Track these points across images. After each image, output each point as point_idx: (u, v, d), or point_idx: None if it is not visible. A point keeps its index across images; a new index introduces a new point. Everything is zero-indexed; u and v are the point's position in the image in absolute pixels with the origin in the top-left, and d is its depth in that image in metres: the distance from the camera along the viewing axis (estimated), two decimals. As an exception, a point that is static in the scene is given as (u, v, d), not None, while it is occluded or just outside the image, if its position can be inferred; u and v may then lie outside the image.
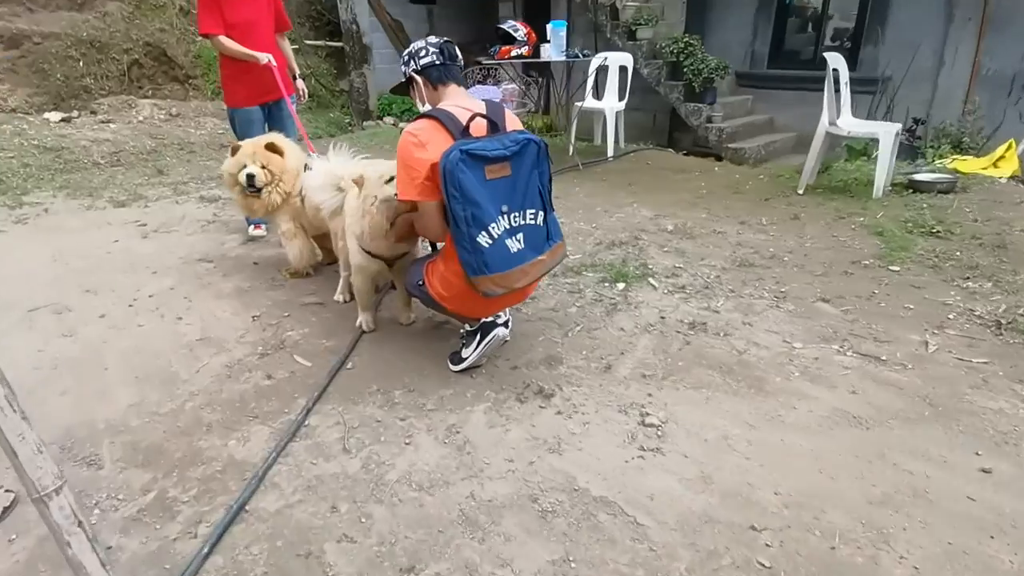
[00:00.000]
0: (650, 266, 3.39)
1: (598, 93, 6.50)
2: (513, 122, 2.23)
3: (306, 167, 3.21)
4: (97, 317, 2.93)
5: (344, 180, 2.79)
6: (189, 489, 1.84)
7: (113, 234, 4.09)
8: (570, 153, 6.38)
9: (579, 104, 6.42)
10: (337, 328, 2.84)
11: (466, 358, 2.38)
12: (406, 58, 2.25)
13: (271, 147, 3.12)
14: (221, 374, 2.45)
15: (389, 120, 9.57)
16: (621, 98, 6.37)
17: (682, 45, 7.45)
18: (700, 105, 7.43)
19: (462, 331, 2.43)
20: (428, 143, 2.01)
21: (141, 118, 8.06)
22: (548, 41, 5.72)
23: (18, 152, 5.96)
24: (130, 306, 3.05)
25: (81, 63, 8.45)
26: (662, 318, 2.83)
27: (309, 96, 4.87)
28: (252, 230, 4.08)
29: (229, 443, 2.04)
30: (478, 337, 2.35)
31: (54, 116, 7.55)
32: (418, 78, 2.20)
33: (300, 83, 4.06)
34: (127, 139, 7.17)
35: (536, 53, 5.82)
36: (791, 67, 8.25)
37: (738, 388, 2.26)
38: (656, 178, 5.43)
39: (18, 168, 5.56)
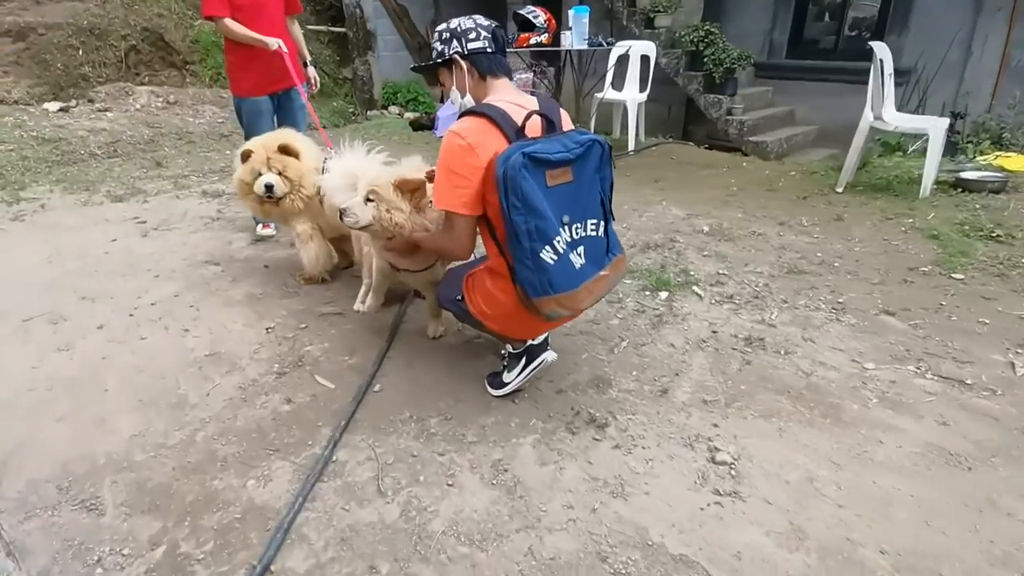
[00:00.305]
0: (692, 272, 3.15)
1: (616, 84, 6.22)
2: (567, 120, 1.98)
3: (325, 161, 2.95)
4: (95, 328, 2.69)
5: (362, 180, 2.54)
6: (204, 543, 1.60)
7: (111, 232, 3.83)
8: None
9: (599, 95, 6.15)
10: (360, 342, 2.59)
11: (508, 383, 2.14)
12: (446, 35, 1.96)
13: (285, 149, 2.85)
14: (235, 397, 2.21)
15: (394, 110, 9.27)
16: (642, 89, 6.10)
17: (703, 33, 7.14)
18: (720, 97, 7.14)
19: (503, 352, 2.19)
20: (479, 145, 1.76)
21: (138, 106, 7.77)
22: (568, 28, 5.43)
23: (17, 144, 5.70)
24: (131, 315, 2.81)
25: (80, 51, 8.18)
26: (714, 332, 2.59)
27: None
28: (260, 229, 3.83)
29: (248, 483, 1.80)
30: (523, 361, 2.11)
31: (52, 106, 7.29)
32: (462, 63, 1.93)
33: (311, 71, 3.79)
34: (124, 128, 6.89)
35: (556, 41, 5.53)
36: (811, 57, 7.97)
37: (812, 417, 2.03)
38: (682, 173, 5.18)
39: (17, 161, 5.30)
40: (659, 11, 7.42)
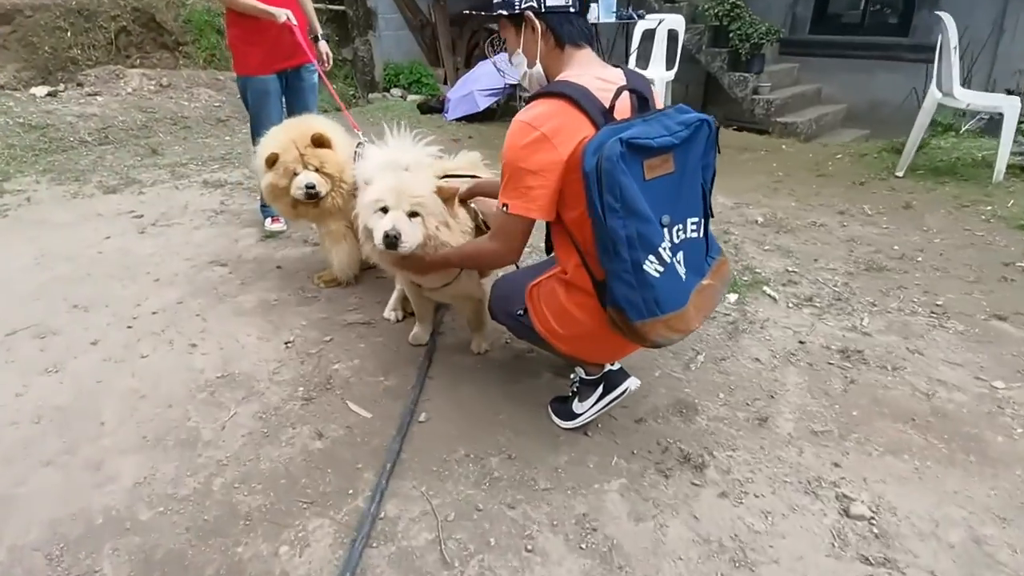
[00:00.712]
0: (758, 270, 2.80)
1: (640, 62, 5.80)
2: (658, 96, 1.62)
3: (358, 148, 2.58)
4: (89, 344, 2.33)
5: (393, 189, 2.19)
6: (232, 638, 1.27)
7: (105, 228, 3.46)
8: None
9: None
10: (395, 359, 2.25)
11: (580, 414, 1.81)
12: None
13: (319, 141, 2.45)
14: (255, 431, 1.87)
15: (396, 92, 8.83)
16: (669, 67, 5.71)
17: (727, 7, 6.71)
18: (746, 75, 6.72)
19: (573, 376, 1.84)
20: (556, 134, 1.40)
21: (130, 90, 7.33)
22: (594, 1, 5.01)
23: (2, 132, 5.29)
24: (129, 327, 2.45)
25: (69, 33, 7.74)
26: (801, 343, 2.26)
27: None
28: (269, 224, 3.46)
29: (280, 549, 1.47)
30: (599, 390, 1.77)
31: (40, 91, 6.86)
32: (537, 22, 1.54)
33: (323, 45, 3.39)
34: (116, 113, 6.48)
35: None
36: (836, 32, 7.56)
37: (951, 453, 1.70)
38: (720, 158, 4.78)
39: (2, 150, 4.89)
40: (677, -13, 6.99)
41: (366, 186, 2.28)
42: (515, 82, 6.10)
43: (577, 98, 1.41)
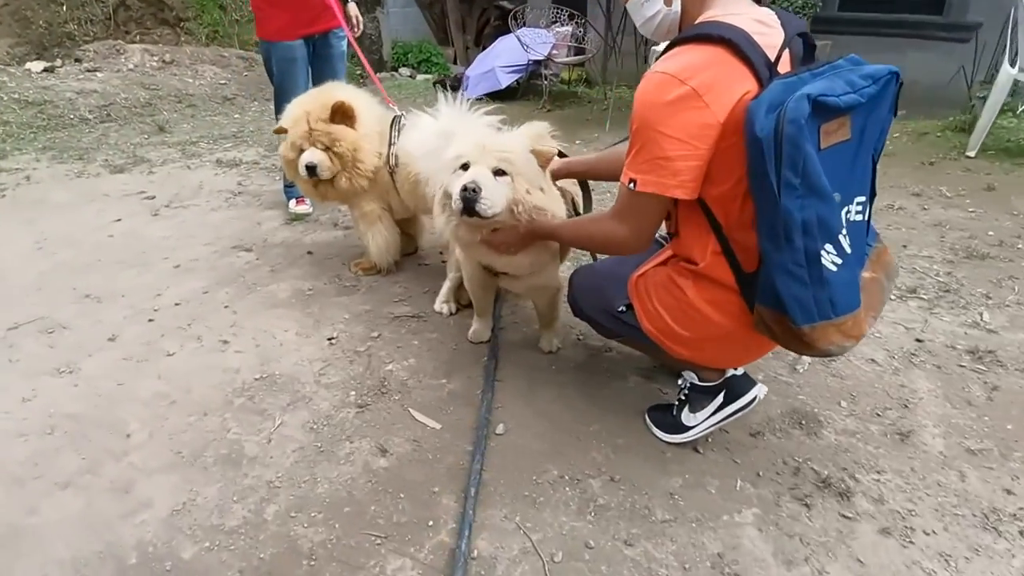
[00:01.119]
0: (845, 258, 2.52)
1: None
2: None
3: (394, 123, 2.29)
4: (106, 340, 2.05)
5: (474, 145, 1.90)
6: None
7: (113, 210, 3.15)
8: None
9: (656, 48, 5.40)
10: (454, 358, 1.98)
11: (693, 427, 1.53)
12: None
13: (339, 112, 2.15)
14: (307, 445, 1.60)
15: (405, 72, 8.48)
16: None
17: (765, -22, 6.33)
18: (781, 51, 6.36)
19: (682, 382, 1.56)
20: (710, 90, 1.11)
21: (131, 66, 6.97)
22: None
23: (-3, 108, 4.95)
24: (150, 320, 2.17)
25: (64, 7, 7.37)
26: (919, 341, 1.98)
27: None
28: (294, 205, 3.16)
29: (357, 599, 1.20)
30: (719, 399, 1.49)
31: (36, 66, 6.50)
32: None
33: (352, 7, 3.06)
34: (117, 90, 6.12)
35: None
36: (866, 9, 7.24)
37: None
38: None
39: (-3, 127, 4.56)
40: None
41: (415, 160, 2.01)
42: (539, 58, 5.79)
43: (739, 43, 1.12)
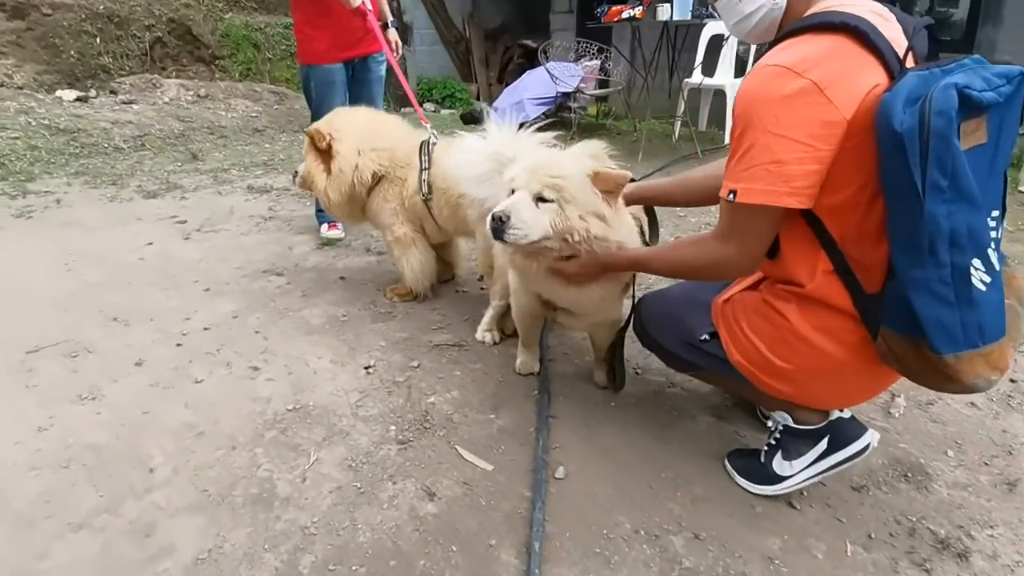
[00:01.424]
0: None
1: (705, 69, 5.42)
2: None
3: (423, 149, 2.18)
4: (132, 365, 1.92)
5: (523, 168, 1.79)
6: None
7: (145, 233, 3.08)
8: (674, 140, 5.38)
9: (688, 81, 5.35)
10: (501, 391, 1.81)
11: (788, 477, 1.34)
12: None
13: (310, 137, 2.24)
14: (346, 486, 1.43)
15: (430, 106, 8.56)
16: (738, 75, 5.32)
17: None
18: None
19: (773, 424, 1.38)
20: (834, 83, 0.98)
21: (167, 99, 7.11)
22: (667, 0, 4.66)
23: (23, 132, 4.96)
24: (178, 345, 2.04)
25: (98, 39, 7.56)
26: (1013, 382, 1.79)
27: None
28: (326, 230, 3.07)
29: (410, 675, 1.01)
30: (823, 445, 1.30)
31: (68, 95, 6.62)
32: None
33: (392, 33, 3.01)
34: (152, 121, 6.20)
35: (652, 14, 4.77)
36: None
37: None
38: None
39: (24, 151, 4.56)
40: (742, -6, 6.62)
41: (460, 183, 1.90)
42: (568, 90, 5.77)
43: (866, 31, 0.98)
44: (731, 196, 1.08)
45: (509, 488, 1.43)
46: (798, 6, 1.13)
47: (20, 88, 6.54)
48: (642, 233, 1.71)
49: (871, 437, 1.29)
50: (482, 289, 2.52)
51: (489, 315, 2.11)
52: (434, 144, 2.19)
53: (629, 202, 1.58)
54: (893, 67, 0.99)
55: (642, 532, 1.30)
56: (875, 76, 0.98)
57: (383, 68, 3.01)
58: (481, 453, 1.55)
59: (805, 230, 1.11)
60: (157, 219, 3.31)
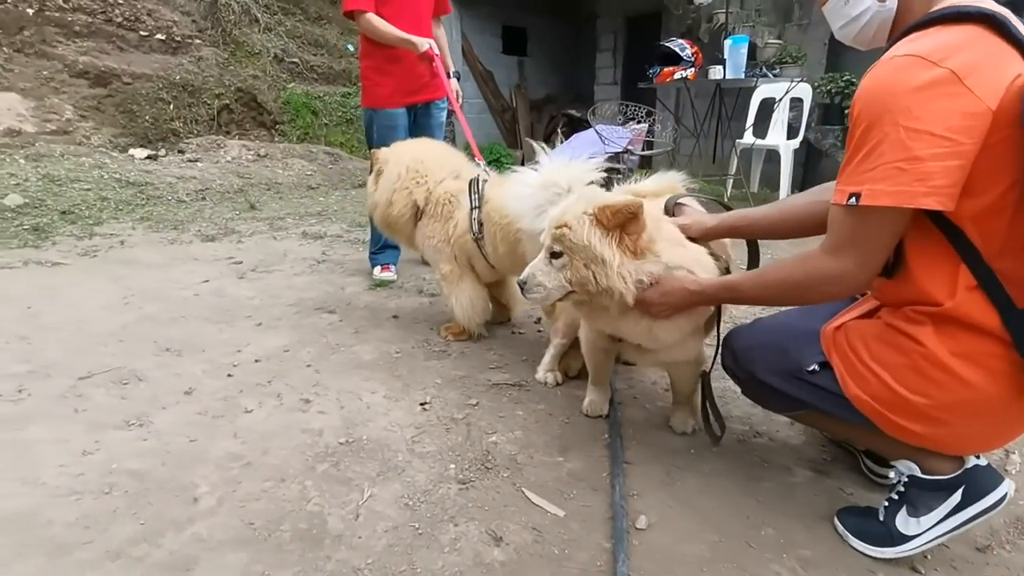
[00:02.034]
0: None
1: (757, 130, 5.40)
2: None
3: (472, 187, 2.14)
4: (182, 394, 1.85)
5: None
6: None
7: (201, 272, 3.11)
8: (726, 199, 5.29)
9: (740, 142, 5.34)
10: (567, 433, 1.66)
11: (915, 536, 1.14)
12: None
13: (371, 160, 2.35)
14: (402, 526, 1.29)
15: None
16: (791, 136, 5.29)
17: (842, 84, 6.33)
18: (864, 152, 6.18)
19: (897, 477, 1.19)
20: (973, 72, 0.89)
21: (229, 158, 7.49)
22: (721, 62, 4.72)
23: (96, 184, 5.24)
24: (229, 376, 1.98)
25: (171, 106, 8.10)
26: None
27: None
28: (379, 272, 3.04)
29: None
30: (957, 497, 1.11)
31: (139, 153, 7.04)
32: None
33: (454, 83, 3.07)
34: (214, 177, 6.50)
35: (704, 74, 4.82)
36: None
37: None
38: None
39: (94, 200, 4.79)
40: (787, 63, 6.72)
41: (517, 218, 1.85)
42: (618, 150, 5.83)
43: (1004, 21, 0.89)
44: (852, 200, 0.96)
45: (585, 537, 1.26)
46: (917, 6, 1.04)
47: (97, 148, 6.99)
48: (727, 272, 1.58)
49: (1008, 487, 1.10)
50: (539, 331, 2.41)
51: (550, 354, 1.99)
52: (485, 181, 2.16)
53: (713, 236, 1.46)
54: (1028, 55, 0.89)
55: (745, 595, 1.11)
56: (1016, 65, 0.88)
57: (444, 114, 3.06)
58: (550, 497, 1.39)
59: (940, 241, 0.98)
60: (214, 260, 3.35)
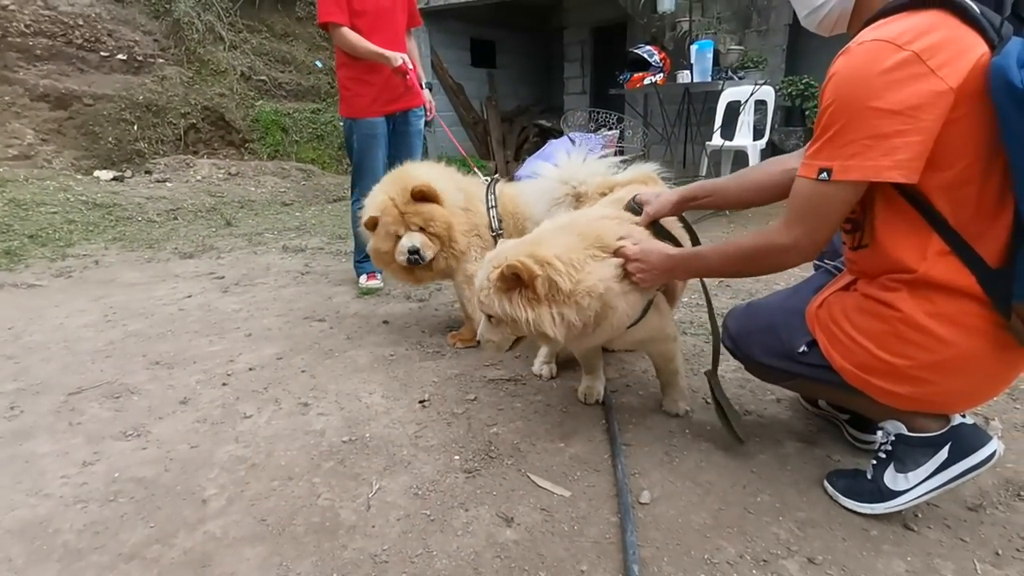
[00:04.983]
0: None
1: (724, 132, 5.59)
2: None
3: (489, 189, 2.24)
4: (177, 403, 1.85)
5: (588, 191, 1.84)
6: None
7: (183, 288, 3.09)
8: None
9: (710, 143, 5.51)
10: (567, 421, 1.71)
11: (903, 491, 1.22)
12: None
13: (419, 194, 2.05)
14: (414, 513, 1.32)
15: (448, 180, 8.89)
16: (756, 137, 5.48)
17: (802, 87, 6.60)
18: (823, 152, 6.43)
19: (884, 436, 1.27)
20: (936, 53, 0.97)
21: (199, 177, 7.39)
22: (688, 67, 4.88)
23: (62, 207, 5.12)
24: (224, 385, 1.98)
25: (135, 127, 7.94)
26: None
27: None
28: (365, 281, 3.06)
29: None
30: (943, 454, 1.19)
31: (105, 175, 6.88)
32: None
33: (427, 94, 3.13)
34: (185, 196, 6.42)
35: (672, 79, 4.98)
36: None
37: None
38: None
39: (61, 223, 4.68)
40: (749, 67, 6.97)
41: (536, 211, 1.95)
42: (591, 158, 5.98)
43: (964, 6, 0.98)
44: (824, 175, 1.04)
45: (593, 514, 1.31)
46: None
47: (60, 171, 6.82)
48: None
49: (996, 445, 1.18)
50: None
51: (544, 348, 2.04)
52: (497, 181, 2.27)
53: (674, 209, 1.51)
54: (993, 39, 0.98)
55: (748, 557, 1.16)
56: (976, 47, 0.97)
57: (422, 122, 3.11)
58: (556, 480, 1.43)
59: (908, 212, 1.06)
60: (195, 276, 3.33)
